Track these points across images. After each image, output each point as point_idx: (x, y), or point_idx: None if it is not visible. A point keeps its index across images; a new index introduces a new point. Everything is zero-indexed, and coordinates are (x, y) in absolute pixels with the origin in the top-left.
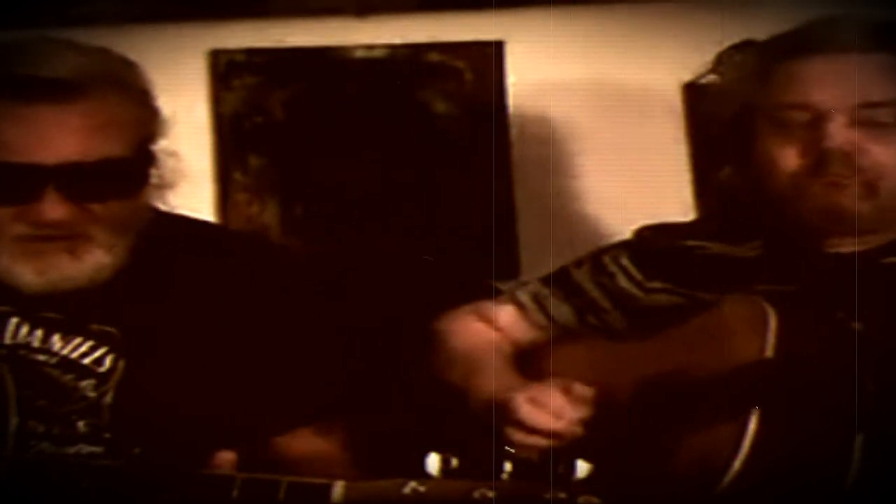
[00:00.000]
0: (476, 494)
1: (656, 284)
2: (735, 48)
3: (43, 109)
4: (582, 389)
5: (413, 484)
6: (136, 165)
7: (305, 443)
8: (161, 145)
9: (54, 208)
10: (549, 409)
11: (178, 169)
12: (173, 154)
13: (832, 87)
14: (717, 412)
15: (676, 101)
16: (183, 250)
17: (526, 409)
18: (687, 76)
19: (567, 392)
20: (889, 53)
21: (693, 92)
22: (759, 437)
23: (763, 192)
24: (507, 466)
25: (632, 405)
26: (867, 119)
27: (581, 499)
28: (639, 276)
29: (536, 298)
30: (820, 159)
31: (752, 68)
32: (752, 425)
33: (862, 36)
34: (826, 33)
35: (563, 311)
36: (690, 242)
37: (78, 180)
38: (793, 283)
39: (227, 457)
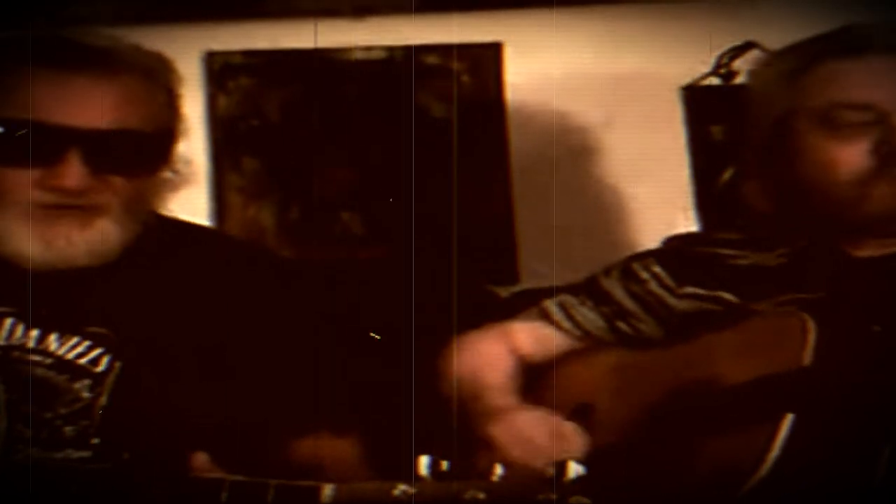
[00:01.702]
0: (466, 496)
1: (689, 290)
2: (736, 50)
3: (80, 76)
4: (565, 428)
5: (403, 486)
6: (156, 143)
7: (305, 449)
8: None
9: (74, 174)
10: (534, 449)
11: (190, 173)
12: (188, 161)
13: (891, 87)
14: (747, 415)
15: (676, 103)
16: (182, 254)
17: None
18: (687, 78)
19: (551, 428)
20: None
21: (693, 94)
22: (788, 444)
23: (809, 193)
24: (498, 468)
25: (659, 413)
26: None
27: (572, 500)
28: (671, 282)
29: (563, 307)
30: (887, 158)
31: (790, 70)
32: (782, 431)
33: None
34: (868, 36)
35: (592, 320)
36: (719, 251)
37: (101, 147)
38: (821, 290)
39: (201, 458)
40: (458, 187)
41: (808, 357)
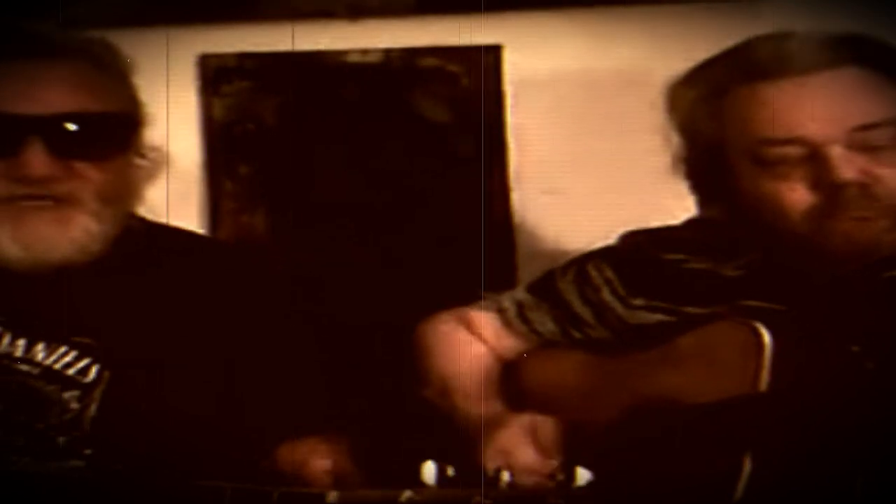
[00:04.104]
0: (473, 503)
1: (640, 301)
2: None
3: (29, 63)
4: (547, 433)
5: (408, 493)
6: (116, 126)
7: (299, 455)
8: (146, 136)
9: (38, 163)
10: (520, 465)
11: (161, 160)
12: (156, 148)
13: (817, 114)
14: (710, 447)
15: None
16: (170, 261)
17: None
18: None
19: (534, 438)
20: (859, 67)
21: None
22: (755, 474)
23: (764, 224)
24: (505, 475)
25: (620, 423)
26: (864, 143)
27: None
28: (622, 292)
29: (520, 308)
30: (834, 195)
31: (706, 94)
32: (747, 464)
33: (825, 52)
34: (783, 53)
35: (546, 324)
36: (675, 256)
37: (61, 132)
38: (783, 302)
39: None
40: (456, 192)
41: (764, 379)
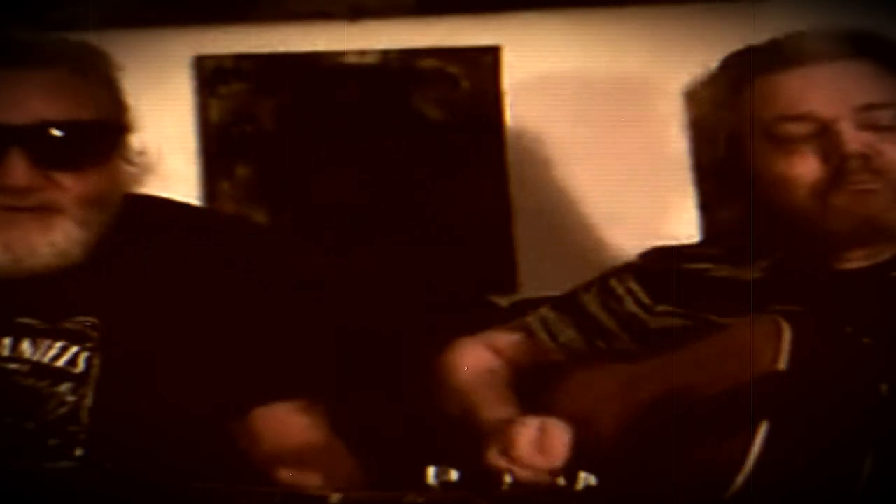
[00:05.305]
0: None
1: (664, 308)
2: (738, 56)
3: (8, 72)
4: (557, 433)
5: (411, 496)
6: (101, 132)
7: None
8: (132, 140)
9: (19, 172)
10: (525, 465)
11: (150, 165)
12: (142, 151)
13: (827, 94)
14: (724, 425)
15: (679, 109)
16: (163, 233)
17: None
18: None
19: (539, 438)
20: (866, 60)
21: None
22: (766, 452)
23: (775, 210)
24: (507, 479)
25: (638, 424)
26: (870, 122)
27: None
28: (646, 300)
29: (545, 323)
30: (840, 167)
31: (725, 89)
32: (759, 439)
33: (836, 45)
34: (798, 46)
35: (571, 336)
36: (696, 266)
37: (43, 142)
38: (800, 302)
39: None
40: (455, 194)
41: (783, 361)
